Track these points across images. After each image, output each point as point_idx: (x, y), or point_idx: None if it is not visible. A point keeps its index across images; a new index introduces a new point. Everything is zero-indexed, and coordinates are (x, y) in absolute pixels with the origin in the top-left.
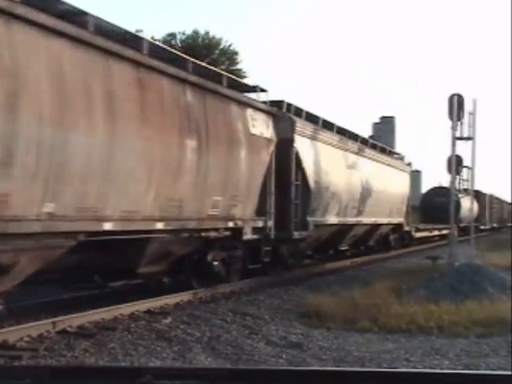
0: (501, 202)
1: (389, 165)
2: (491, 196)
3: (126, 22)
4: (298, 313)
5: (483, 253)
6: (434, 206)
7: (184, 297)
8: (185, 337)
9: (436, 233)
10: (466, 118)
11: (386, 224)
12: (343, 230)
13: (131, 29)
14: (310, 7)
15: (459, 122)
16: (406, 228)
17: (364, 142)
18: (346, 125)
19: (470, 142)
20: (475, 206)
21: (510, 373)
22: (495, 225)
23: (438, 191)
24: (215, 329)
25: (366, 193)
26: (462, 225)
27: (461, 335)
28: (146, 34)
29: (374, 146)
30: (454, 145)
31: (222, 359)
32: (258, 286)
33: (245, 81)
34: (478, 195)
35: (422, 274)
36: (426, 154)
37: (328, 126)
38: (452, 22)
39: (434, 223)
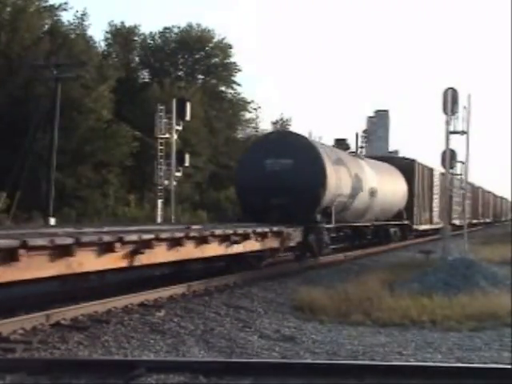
0: (474, 188)
1: None
2: (448, 175)
3: (123, 17)
4: (291, 306)
5: (476, 247)
6: (262, 180)
7: (178, 290)
8: (178, 330)
9: None
10: (460, 112)
11: None
12: None
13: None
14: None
15: (453, 116)
16: None
17: None
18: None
19: (465, 136)
20: (396, 186)
21: (509, 366)
22: (457, 222)
23: (273, 145)
24: (209, 322)
25: None
26: (333, 225)
27: (453, 329)
28: (144, 29)
29: None
30: (448, 139)
31: (216, 352)
32: (252, 279)
33: (237, 74)
34: (406, 168)
35: (415, 268)
36: (421, 148)
37: None
38: (447, 14)
39: (265, 222)
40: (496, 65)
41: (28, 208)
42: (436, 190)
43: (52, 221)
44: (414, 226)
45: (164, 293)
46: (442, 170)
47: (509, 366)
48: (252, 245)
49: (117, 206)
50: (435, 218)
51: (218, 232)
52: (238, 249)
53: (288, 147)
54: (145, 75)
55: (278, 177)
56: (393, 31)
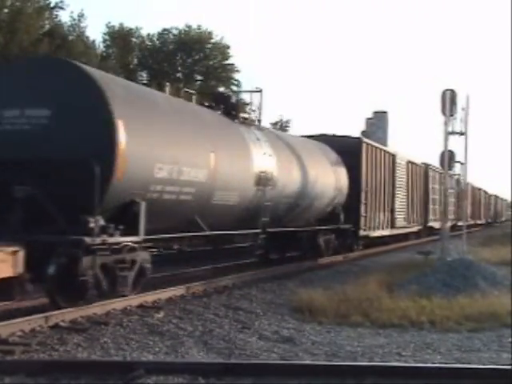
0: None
1: None
2: (420, 165)
3: (121, 18)
4: (290, 307)
5: (475, 248)
6: None
7: (177, 291)
8: (177, 331)
9: None
10: (458, 113)
11: None
12: None
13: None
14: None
15: (452, 117)
16: None
17: None
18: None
19: (463, 136)
20: (325, 173)
21: (509, 367)
22: (436, 224)
23: (18, 84)
24: (208, 323)
25: None
26: (141, 238)
27: (452, 330)
28: (142, 30)
29: None
30: (446, 140)
31: (215, 354)
32: (251, 280)
33: (236, 76)
34: (351, 152)
35: (414, 268)
36: (419, 149)
37: None
38: (446, 15)
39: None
40: (494, 66)
41: None
42: (401, 183)
43: None
44: (362, 232)
45: (163, 294)
46: (410, 158)
47: (508, 367)
48: None
49: None
50: (399, 221)
51: None
52: None
53: (44, 87)
54: (143, 76)
55: (26, 143)
56: (391, 33)
